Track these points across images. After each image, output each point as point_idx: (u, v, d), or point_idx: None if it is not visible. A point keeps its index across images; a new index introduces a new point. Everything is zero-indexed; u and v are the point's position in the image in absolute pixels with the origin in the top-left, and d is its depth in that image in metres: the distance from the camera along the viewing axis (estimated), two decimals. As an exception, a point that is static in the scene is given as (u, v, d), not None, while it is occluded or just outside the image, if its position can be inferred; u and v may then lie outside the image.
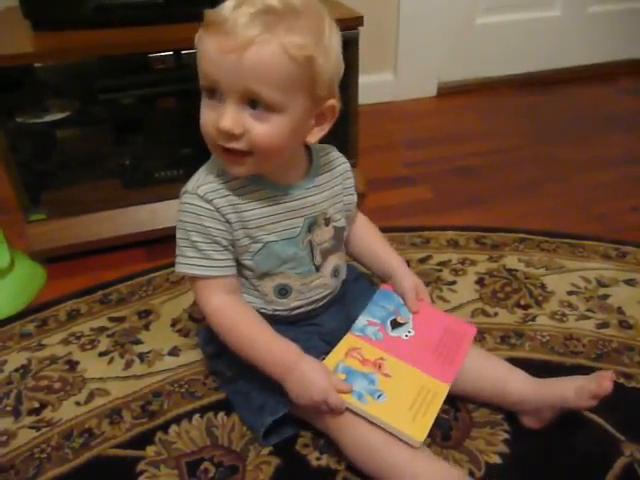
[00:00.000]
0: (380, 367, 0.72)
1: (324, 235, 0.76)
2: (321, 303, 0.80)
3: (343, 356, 0.73)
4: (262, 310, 0.76)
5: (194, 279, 0.72)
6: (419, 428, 0.66)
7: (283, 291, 0.76)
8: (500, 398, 0.76)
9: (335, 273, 0.80)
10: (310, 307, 0.79)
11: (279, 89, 0.61)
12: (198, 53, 0.64)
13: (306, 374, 0.67)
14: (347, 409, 0.67)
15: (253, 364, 0.71)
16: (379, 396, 0.69)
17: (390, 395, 0.69)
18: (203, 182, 0.70)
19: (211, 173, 0.71)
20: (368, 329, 0.77)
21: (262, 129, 0.63)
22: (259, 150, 0.65)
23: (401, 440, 0.66)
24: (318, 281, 0.77)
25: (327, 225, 0.76)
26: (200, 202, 0.69)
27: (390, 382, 0.71)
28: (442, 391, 0.71)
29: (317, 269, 0.77)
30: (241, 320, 0.72)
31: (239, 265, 0.73)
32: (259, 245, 0.72)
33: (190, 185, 0.71)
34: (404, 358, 0.74)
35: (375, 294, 0.83)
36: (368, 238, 0.86)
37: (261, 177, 0.71)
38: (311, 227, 0.74)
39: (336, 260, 0.79)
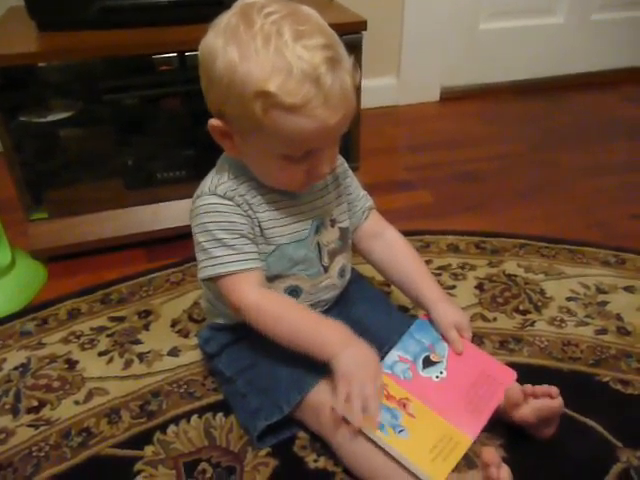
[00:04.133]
0: (405, 406, 0.70)
1: (330, 236, 0.77)
2: (328, 304, 0.80)
3: None
4: None
5: (225, 277, 0.70)
6: (438, 470, 0.64)
7: (294, 293, 0.76)
8: (508, 420, 0.74)
9: (342, 273, 0.80)
10: (317, 308, 0.79)
11: None
12: (278, 129, 0.62)
13: (366, 348, 0.68)
14: (367, 437, 0.66)
15: (297, 348, 0.69)
16: (401, 431, 0.66)
17: (412, 434, 0.66)
18: (219, 183, 0.71)
19: (223, 176, 0.72)
20: (398, 366, 0.74)
21: (337, 149, 0.70)
22: None
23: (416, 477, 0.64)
24: (327, 282, 0.78)
25: (333, 226, 0.78)
26: (221, 200, 0.70)
27: (413, 422, 0.68)
28: (465, 443, 0.68)
29: (325, 270, 0.77)
30: (284, 308, 0.71)
31: None
32: (272, 247, 0.73)
33: (206, 187, 0.71)
34: (430, 404, 0.70)
35: (413, 325, 0.78)
36: (402, 262, 0.83)
37: None
38: (318, 229, 0.76)
39: (342, 260, 0.80)
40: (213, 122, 0.67)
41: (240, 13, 0.62)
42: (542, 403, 0.68)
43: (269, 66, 0.59)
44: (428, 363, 0.75)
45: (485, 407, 0.72)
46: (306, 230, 0.74)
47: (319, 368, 0.71)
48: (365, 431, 0.66)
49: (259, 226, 0.72)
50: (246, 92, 0.60)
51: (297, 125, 0.61)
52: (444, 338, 0.77)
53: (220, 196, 0.70)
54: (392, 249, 0.84)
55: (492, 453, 0.61)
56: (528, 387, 0.69)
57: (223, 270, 0.70)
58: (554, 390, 0.68)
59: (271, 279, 0.74)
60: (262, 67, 0.59)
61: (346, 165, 0.82)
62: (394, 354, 0.75)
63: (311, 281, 0.76)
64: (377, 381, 0.67)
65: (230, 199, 0.70)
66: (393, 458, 0.65)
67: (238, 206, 0.70)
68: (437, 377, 0.74)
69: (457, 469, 0.66)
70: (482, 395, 0.73)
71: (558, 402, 0.69)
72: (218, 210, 0.69)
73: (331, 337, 0.69)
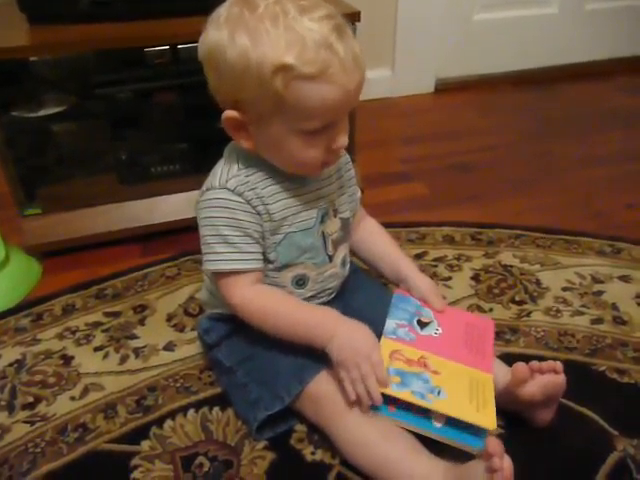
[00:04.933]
0: (426, 365, 0.72)
1: (334, 226, 0.78)
2: (333, 293, 0.81)
3: (388, 360, 0.72)
4: None
5: (224, 273, 0.72)
6: (487, 417, 0.67)
7: (300, 281, 0.77)
8: (512, 400, 0.74)
9: (344, 263, 0.82)
10: (323, 297, 0.80)
11: None
12: (300, 101, 0.62)
13: (356, 327, 0.70)
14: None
15: (294, 338, 0.71)
16: (439, 392, 0.69)
17: (448, 391, 0.69)
18: (230, 176, 0.70)
19: (233, 168, 0.71)
20: (399, 331, 0.76)
21: (348, 124, 0.70)
22: None
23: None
24: (331, 271, 0.79)
25: (335, 216, 0.79)
26: (231, 196, 0.69)
27: (442, 379, 0.70)
28: (488, 381, 0.72)
29: (330, 259, 0.78)
30: (275, 300, 0.73)
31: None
32: (280, 236, 0.73)
33: (215, 181, 0.70)
34: (443, 354, 0.74)
35: (393, 298, 0.81)
36: (380, 244, 0.87)
37: (280, 171, 0.72)
38: (323, 218, 0.76)
39: (344, 250, 0.82)
40: (228, 114, 0.66)
41: (240, 0, 0.63)
42: (548, 379, 0.70)
43: (283, 42, 0.60)
44: (423, 324, 0.78)
45: (485, 349, 0.76)
46: (313, 219, 0.75)
47: (319, 358, 0.72)
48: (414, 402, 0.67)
49: (270, 219, 0.72)
50: (264, 71, 0.60)
51: (319, 94, 0.61)
52: (425, 301, 0.81)
53: (230, 191, 0.69)
54: (372, 233, 0.88)
55: (496, 443, 0.61)
56: (534, 363, 0.70)
57: (223, 267, 0.71)
58: (559, 365, 0.70)
59: (280, 269, 0.75)
60: (276, 45, 0.60)
61: (348, 157, 0.83)
62: (391, 323, 0.77)
63: (317, 269, 0.77)
64: (373, 356, 0.68)
65: (240, 194, 0.69)
66: (394, 447, 0.66)
67: (248, 202, 0.70)
68: (436, 333, 0.78)
69: (459, 460, 0.66)
70: (477, 340, 0.78)
71: (562, 377, 0.70)
72: (226, 206, 0.69)
73: (322, 323, 0.71)
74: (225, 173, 0.71)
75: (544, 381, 0.70)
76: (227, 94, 0.66)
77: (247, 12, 0.62)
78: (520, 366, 0.70)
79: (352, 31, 0.65)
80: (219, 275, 0.73)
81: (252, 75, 0.61)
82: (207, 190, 0.71)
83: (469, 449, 0.67)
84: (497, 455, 0.60)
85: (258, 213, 0.71)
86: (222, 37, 0.62)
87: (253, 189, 0.70)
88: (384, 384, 0.67)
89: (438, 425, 0.68)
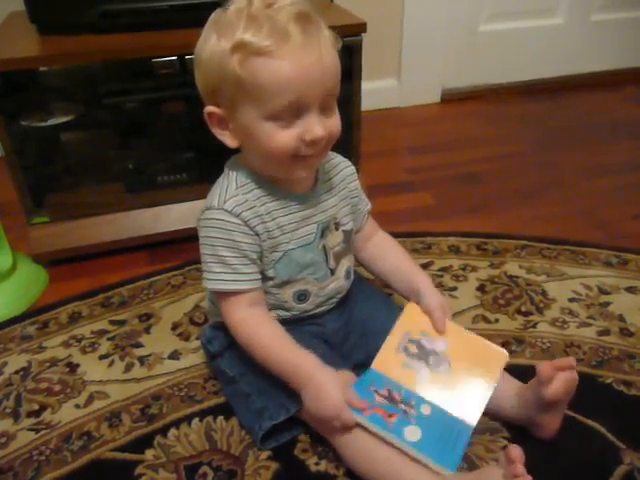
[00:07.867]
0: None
1: (335, 239, 0.78)
2: (334, 304, 0.81)
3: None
4: (278, 314, 0.77)
5: (220, 292, 0.73)
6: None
7: (302, 296, 0.77)
8: (533, 402, 0.73)
9: (347, 275, 0.82)
10: (323, 307, 0.80)
11: (339, 81, 0.67)
12: (256, 80, 0.62)
13: (321, 387, 0.67)
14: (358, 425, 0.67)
15: (274, 374, 0.71)
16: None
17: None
18: (228, 196, 0.70)
19: (231, 186, 0.71)
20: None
21: (335, 122, 0.68)
22: (330, 144, 0.69)
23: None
24: (333, 284, 0.79)
25: (337, 229, 0.78)
26: (228, 217, 0.69)
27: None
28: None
29: (332, 272, 0.78)
30: (262, 332, 0.72)
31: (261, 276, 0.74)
32: (279, 254, 0.73)
33: (214, 201, 0.70)
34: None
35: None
36: (392, 258, 0.86)
37: (278, 188, 0.72)
38: (324, 232, 0.76)
39: (347, 262, 0.81)
40: (209, 109, 0.68)
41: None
42: (567, 375, 0.69)
43: (242, 26, 0.62)
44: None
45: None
46: (312, 234, 0.75)
47: None
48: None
49: (270, 237, 0.72)
50: (224, 54, 0.63)
51: (272, 68, 0.62)
52: (432, 319, 0.77)
53: (228, 212, 0.69)
54: (382, 246, 0.87)
55: (517, 450, 0.62)
56: (556, 362, 0.70)
57: (220, 287, 0.72)
58: (573, 360, 0.70)
59: (280, 285, 0.75)
60: (236, 29, 0.63)
61: (354, 168, 0.83)
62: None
63: (319, 284, 0.77)
64: (342, 416, 0.67)
65: (237, 215, 0.69)
66: (397, 455, 0.66)
67: (245, 224, 0.69)
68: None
69: (474, 466, 0.65)
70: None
71: (576, 373, 0.70)
72: (224, 227, 0.69)
73: (296, 373, 0.70)
74: (224, 192, 0.71)
75: (564, 377, 0.69)
76: (206, 89, 0.68)
77: (220, 13, 0.66)
78: (545, 366, 0.69)
79: (324, 25, 0.66)
80: (218, 293, 0.73)
81: (215, 60, 0.64)
82: (206, 209, 0.71)
83: (441, 471, 0.64)
84: (519, 461, 0.61)
85: (256, 233, 0.70)
86: (199, 42, 0.67)
87: (251, 208, 0.70)
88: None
89: (412, 439, 0.66)
